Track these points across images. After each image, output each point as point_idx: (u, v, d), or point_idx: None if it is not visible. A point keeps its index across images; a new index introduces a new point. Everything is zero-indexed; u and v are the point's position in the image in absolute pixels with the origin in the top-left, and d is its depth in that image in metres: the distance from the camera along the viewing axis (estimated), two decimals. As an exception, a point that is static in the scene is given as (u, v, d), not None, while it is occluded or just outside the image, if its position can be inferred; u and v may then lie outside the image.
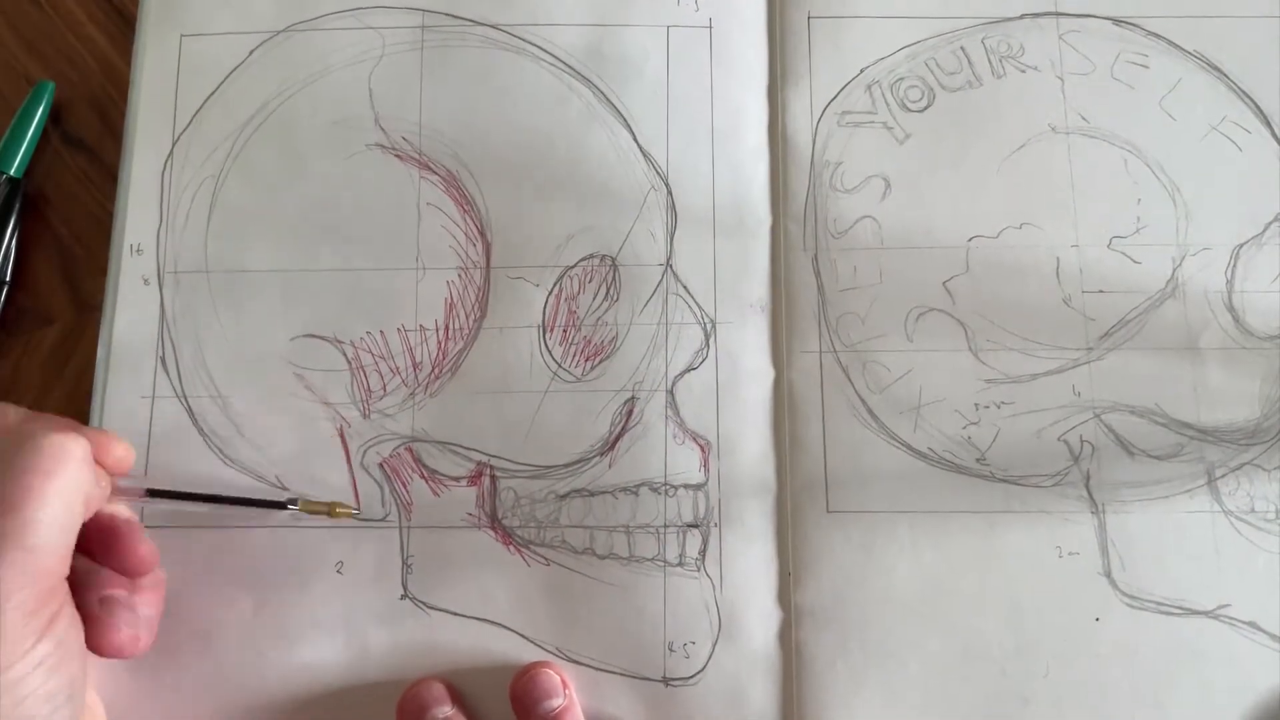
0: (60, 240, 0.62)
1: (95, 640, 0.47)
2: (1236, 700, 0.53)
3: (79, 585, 0.47)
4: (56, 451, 0.42)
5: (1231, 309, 0.57)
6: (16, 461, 0.42)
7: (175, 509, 0.55)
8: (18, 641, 0.41)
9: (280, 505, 0.54)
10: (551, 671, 0.53)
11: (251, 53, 0.61)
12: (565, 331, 0.57)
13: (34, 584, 0.41)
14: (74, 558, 0.45)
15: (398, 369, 0.57)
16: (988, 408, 0.56)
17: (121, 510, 0.50)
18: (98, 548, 0.49)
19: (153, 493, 0.52)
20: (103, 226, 0.60)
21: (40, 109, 0.62)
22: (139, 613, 0.49)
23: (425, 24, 0.62)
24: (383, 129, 0.60)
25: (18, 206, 0.61)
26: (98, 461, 0.46)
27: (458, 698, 0.53)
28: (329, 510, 0.54)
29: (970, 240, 0.58)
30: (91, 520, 0.47)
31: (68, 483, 0.43)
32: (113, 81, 0.64)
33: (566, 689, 0.53)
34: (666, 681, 0.54)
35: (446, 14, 0.62)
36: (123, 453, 0.49)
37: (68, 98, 0.64)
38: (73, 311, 0.61)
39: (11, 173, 0.61)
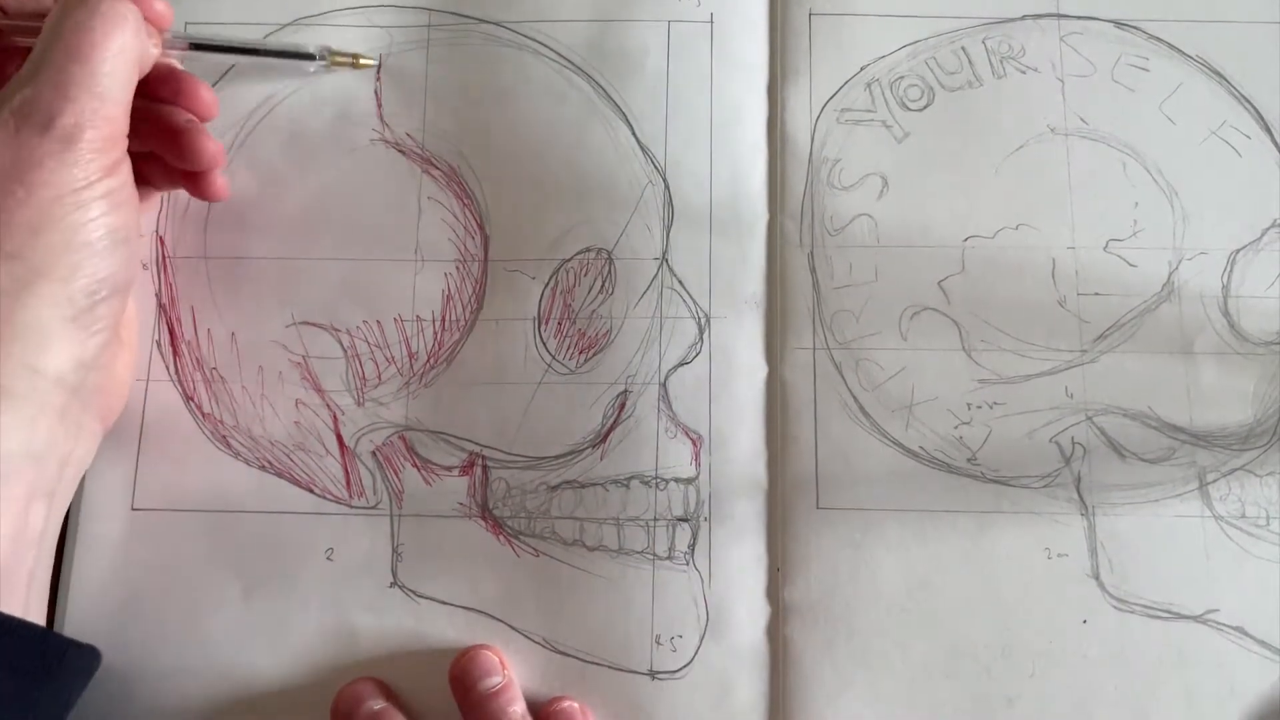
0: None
1: (190, 150, 0.54)
2: (1223, 705, 0.53)
3: (162, 119, 0.55)
4: (115, 12, 0.48)
5: (1227, 314, 0.57)
6: (79, 18, 0.48)
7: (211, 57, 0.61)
8: (88, 170, 0.48)
9: (310, 56, 0.60)
10: (489, 652, 0.53)
11: (257, 44, 0.62)
12: (560, 324, 0.58)
13: (102, 126, 0.48)
14: (150, 104, 0.54)
15: (393, 358, 0.57)
16: (980, 408, 0.56)
17: (175, 63, 0.57)
18: (165, 91, 0.56)
19: (195, 45, 0.58)
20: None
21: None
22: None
23: (431, 22, 0.62)
24: (387, 124, 0.61)
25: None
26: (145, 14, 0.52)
27: (390, 694, 0.53)
28: (353, 61, 0.61)
29: (966, 240, 0.58)
30: (156, 70, 0.54)
31: (125, 40, 0.49)
32: (115, 81, 0.64)
33: (505, 669, 0.53)
34: (653, 674, 0.54)
35: (452, 12, 0.62)
36: (163, 8, 0.54)
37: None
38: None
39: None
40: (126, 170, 0.50)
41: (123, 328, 0.54)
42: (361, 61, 0.61)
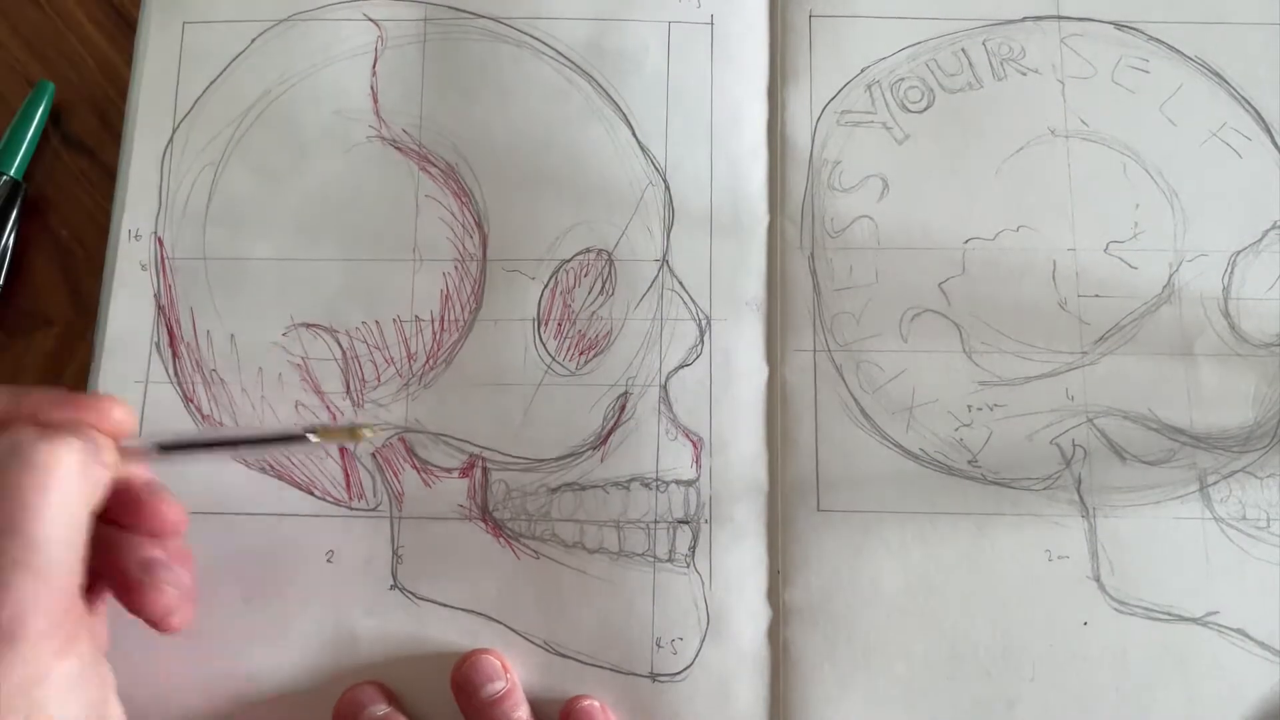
0: (60, 241, 0.62)
1: (142, 605, 0.45)
2: (1224, 708, 0.53)
3: (114, 554, 0.45)
4: (50, 463, 0.40)
5: (1227, 315, 0.57)
6: (8, 477, 0.40)
7: (191, 460, 0.52)
8: (39, 662, 0.39)
9: (299, 438, 0.50)
10: (492, 656, 0.53)
11: (253, 41, 0.62)
12: (560, 325, 0.58)
13: (49, 605, 0.39)
14: (103, 528, 0.44)
15: (392, 359, 0.57)
16: (980, 410, 0.56)
17: (138, 473, 0.47)
18: (123, 516, 0.46)
19: (164, 447, 0.48)
20: (102, 228, 0.60)
21: (40, 110, 0.62)
22: (179, 576, 0.46)
23: (428, 16, 0.62)
24: (383, 121, 0.60)
25: (16, 209, 0.61)
26: (98, 429, 0.44)
27: (393, 698, 0.53)
28: (349, 435, 0.51)
29: (967, 242, 0.58)
30: (110, 490, 0.44)
31: (67, 493, 0.41)
32: (113, 82, 0.64)
33: (508, 673, 0.53)
34: (654, 677, 0.54)
35: (448, 6, 0.62)
36: (122, 415, 0.45)
37: (68, 99, 0.64)
38: (72, 312, 0.61)
39: (11, 173, 0.61)
40: (85, 641, 0.42)
41: None
42: (363, 434, 0.51)
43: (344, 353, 0.57)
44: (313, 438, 0.50)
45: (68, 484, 0.41)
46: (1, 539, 0.39)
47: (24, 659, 0.38)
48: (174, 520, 0.46)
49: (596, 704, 0.53)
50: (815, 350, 0.57)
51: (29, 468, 0.40)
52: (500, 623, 0.54)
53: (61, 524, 0.40)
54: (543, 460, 0.56)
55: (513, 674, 0.53)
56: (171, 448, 0.48)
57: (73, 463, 0.41)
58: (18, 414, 0.43)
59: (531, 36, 0.61)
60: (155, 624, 0.45)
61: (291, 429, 0.50)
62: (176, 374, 0.57)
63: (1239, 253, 0.58)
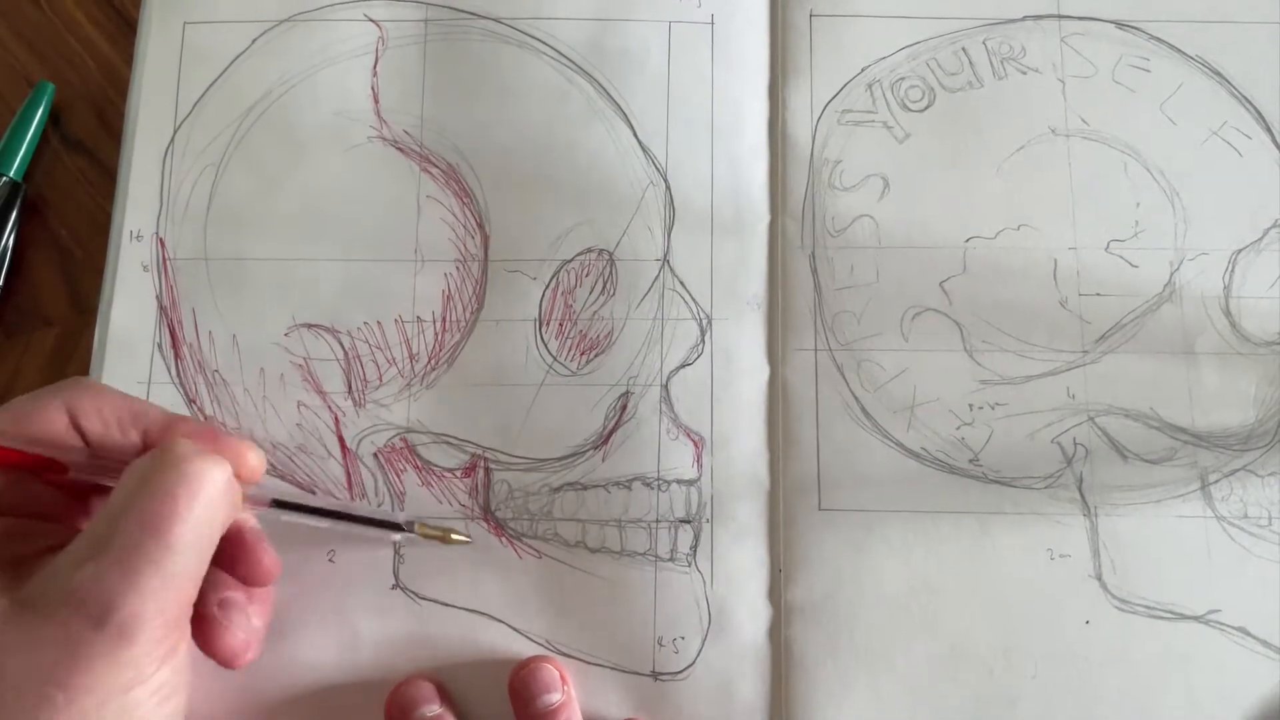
0: (59, 242, 0.62)
1: (210, 643, 0.47)
2: (1225, 706, 0.53)
3: (205, 586, 0.46)
4: (201, 476, 0.42)
5: (1228, 314, 0.57)
6: (160, 482, 0.41)
7: (294, 520, 0.52)
8: (143, 665, 0.40)
9: (397, 527, 0.54)
10: (551, 666, 0.53)
11: (254, 41, 0.62)
12: (561, 325, 0.58)
13: (167, 611, 0.40)
14: None
15: (394, 360, 0.57)
16: (982, 408, 0.56)
17: (248, 519, 0.49)
18: (222, 556, 0.47)
19: (277, 503, 0.50)
20: (102, 228, 0.60)
21: (40, 110, 0.62)
22: (252, 618, 0.49)
23: (428, 17, 0.62)
24: (384, 121, 0.60)
25: (16, 210, 0.61)
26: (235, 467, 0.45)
27: (446, 696, 0.53)
28: (442, 536, 0.54)
29: (968, 241, 0.58)
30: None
31: (209, 510, 0.42)
32: (112, 83, 0.64)
33: (565, 685, 0.53)
34: (655, 676, 0.54)
35: (449, 7, 0.62)
36: (256, 462, 0.47)
37: (67, 99, 0.64)
38: (72, 313, 0.61)
39: (11, 174, 0.61)
40: (184, 651, 0.43)
41: None
42: (453, 537, 0.54)
43: (346, 353, 0.57)
44: (409, 531, 0.54)
45: (213, 501, 0.42)
46: (144, 537, 0.40)
47: (133, 660, 0.39)
48: (269, 568, 0.49)
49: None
50: (816, 349, 0.57)
51: (183, 477, 0.41)
52: (502, 622, 0.54)
53: (198, 536, 0.42)
54: (544, 460, 0.56)
55: (570, 687, 0.53)
56: (283, 505, 0.50)
57: (221, 483, 0.43)
58: (170, 433, 0.46)
59: (532, 37, 0.61)
60: (222, 663, 0.48)
61: (395, 517, 0.55)
62: (179, 375, 0.57)
63: (1240, 251, 0.58)
